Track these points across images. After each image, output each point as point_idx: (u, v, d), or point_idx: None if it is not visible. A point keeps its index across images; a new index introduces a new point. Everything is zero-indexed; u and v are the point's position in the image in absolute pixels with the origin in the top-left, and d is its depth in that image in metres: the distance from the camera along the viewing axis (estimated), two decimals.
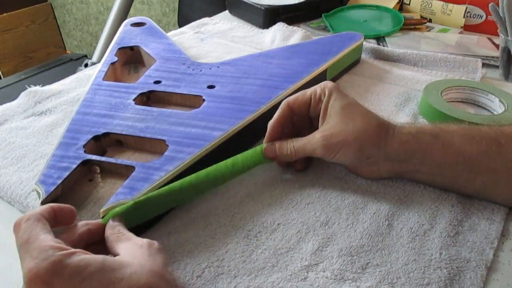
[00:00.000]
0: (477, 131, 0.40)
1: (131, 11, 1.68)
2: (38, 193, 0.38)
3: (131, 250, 0.30)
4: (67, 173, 0.40)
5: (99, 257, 0.27)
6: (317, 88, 0.44)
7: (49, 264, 0.25)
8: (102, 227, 0.34)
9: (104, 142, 0.46)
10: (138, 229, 0.38)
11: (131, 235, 0.33)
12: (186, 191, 0.39)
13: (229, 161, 0.42)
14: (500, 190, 0.40)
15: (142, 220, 0.38)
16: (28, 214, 0.30)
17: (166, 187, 0.38)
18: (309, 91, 0.44)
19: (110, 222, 0.34)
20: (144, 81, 0.56)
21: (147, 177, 0.39)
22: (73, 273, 0.26)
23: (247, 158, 0.43)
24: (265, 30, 0.83)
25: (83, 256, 0.27)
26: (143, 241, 0.31)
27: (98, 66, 0.61)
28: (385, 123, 0.42)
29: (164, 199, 0.38)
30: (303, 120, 0.46)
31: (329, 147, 0.41)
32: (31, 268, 0.25)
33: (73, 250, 0.27)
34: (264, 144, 0.44)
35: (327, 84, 0.43)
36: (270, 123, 0.44)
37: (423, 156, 0.40)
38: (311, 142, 0.42)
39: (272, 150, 0.43)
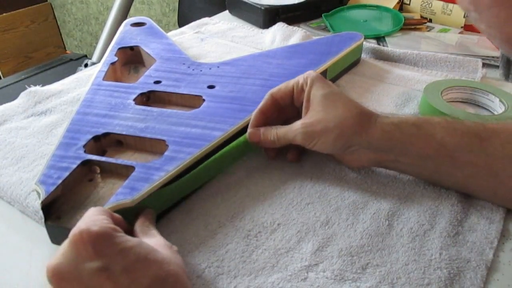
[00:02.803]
0: (460, 124, 0.40)
1: (131, 11, 1.68)
2: (38, 193, 0.38)
3: (156, 245, 0.32)
4: (67, 173, 0.40)
5: (137, 239, 0.30)
6: (300, 78, 0.45)
7: (98, 229, 0.28)
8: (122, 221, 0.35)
9: (104, 142, 0.46)
10: None
11: (156, 232, 0.35)
12: (184, 188, 0.40)
13: (225, 150, 0.45)
14: (480, 184, 0.41)
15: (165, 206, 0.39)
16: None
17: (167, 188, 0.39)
18: (292, 81, 0.45)
19: (142, 217, 0.36)
20: (144, 81, 0.56)
21: (147, 177, 0.39)
22: (115, 242, 0.28)
23: (237, 145, 0.46)
24: (265, 30, 0.83)
25: (125, 235, 0.29)
26: (165, 241, 0.33)
27: (98, 66, 0.61)
28: (367, 112, 0.42)
29: (164, 200, 0.39)
30: (290, 109, 0.47)
31: (309, 134, 0.42)
32: (82, 229, 0.27)
33: (119, 228, 0.30)
34: (248, 130, 0.46)
35: (309, 73, 0.44)
36: (254, 112, 0.46)
37: (404, 146, 0.41)
38: (292, 129, 0.43)
39: (256, 135, 0.45)
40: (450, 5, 0.85)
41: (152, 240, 0.33)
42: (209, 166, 0.44)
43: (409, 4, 0.92)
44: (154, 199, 0.38)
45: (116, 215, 0.34)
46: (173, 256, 0.31)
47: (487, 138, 0.39)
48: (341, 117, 0.41)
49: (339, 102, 0.42)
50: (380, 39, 0.80)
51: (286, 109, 0.47)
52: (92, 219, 0.30)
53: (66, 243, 0.28)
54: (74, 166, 0.41)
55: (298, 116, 0.45)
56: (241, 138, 0.47)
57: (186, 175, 0.41)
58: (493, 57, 0.71)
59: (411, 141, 0.40)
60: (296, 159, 0.47)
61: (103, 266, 0.27)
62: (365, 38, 0.71)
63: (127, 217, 0.36)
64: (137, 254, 0.28)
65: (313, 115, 0.42)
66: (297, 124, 0.43)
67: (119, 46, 0.65)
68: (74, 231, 0.28)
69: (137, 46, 0.66)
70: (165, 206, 0.40)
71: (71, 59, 1.44)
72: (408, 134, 0.40)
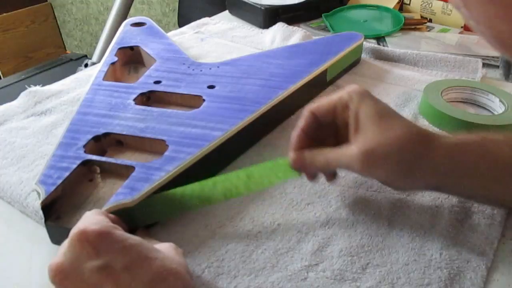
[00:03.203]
0: None
1: (131, 11, 1.68)
2: (38, 193, 0.38)
3: (161, 247, 0.32)
4: (67, 173, 0.40)
5: (138, 237, 0.30)
6: (344, 93, 0.39)
7: (98, 228, 0.28)
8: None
9: (104, 142, 0.46)
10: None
11: (155, 240, 0.35)
12: (188, 200, 0.38)
13: (241, 172, 0.39)
14: None
15: (140, 224, 0.38)
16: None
17: (168, 192, 0.38)
18: (334, 97, 0.39)
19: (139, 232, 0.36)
20: (144, 81, 0.56)
21: (147, 177, 0.39)
22: (116, 240, 0.28)
23: (264, 170, 0.39)
24: (265, 30, 0.83)
25: (125, 233, 0.30)
26: (169, 244, 0.33)
27: (98, 66, 0.61)
28: (425, 130, 0.37)
29: (164, 205, 0.38)
30: (329, 127, 0.40)
31: (370, 164, 0.36)
32: (82, 228, 0.28)
33: (118, 227, 0.30)
34: (290, 154, 0.39)
35: (355, 88, 0.39)
36: (294, 133, 0.40)
37: (469, 168, 0.36)
38: (347, 155, 0.36)
39: (301, 161, 0.39)
40: (450, 5, 0.85)
41: (156, 244, 0.33)
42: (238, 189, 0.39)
43: (409, 4, 0.92)
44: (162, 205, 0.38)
45: (112, 216, 0.35)
46: (176, 255, 0.32)
47: None
48: (401, 139, 0.35)
49: (395, 121, 0.36)
50: (380, 39, 0.80)
51: (325, 127, 0.40)
52: (91, 219, 0.30)
53: (66, 243, 0.28)
54: (74, 166, 0.41)
55: (336, 135, 0.40)
56: (280, 162, 0.40)
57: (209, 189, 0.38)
58: (493, 57, 0.71)
59: (476, 163, 0.36)
60: (333, 178, 0.42)
61: (103, 264, 0.27)
62: (365, 38, 0.71)
63: (127, 218, 0.36)
64: (138, 252, 0.28)
65: (370, 139, 0.36)
66: (355, 152, 0.36)
67: (119, 46, 0.65)
68: (74, 230, 0.28)
69: (137, 46, 0.66)
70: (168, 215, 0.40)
71: (71, 59, 1.44)
72: (473, 155, 0.36)
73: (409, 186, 0.38)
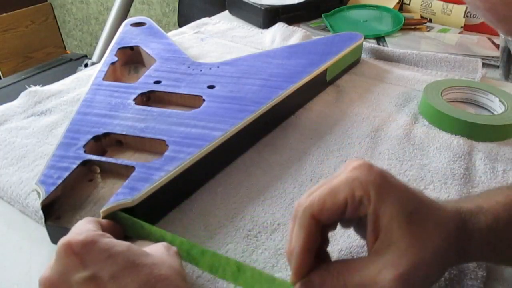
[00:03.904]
0: None
1: (131, 11, 1.68)
2: (38, 193, 0.38)
3: (152, 249, 0.32)
4: (67, 173, 0.40)
5: (126, 242, 0.29)
6: (355, 187, 0.28)
7: (82, 238, 0.28)
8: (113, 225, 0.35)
9: (104, 142, 0.46)
10: None
11: (147, 241, 0.34)
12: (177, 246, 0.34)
13: (232, 260, 0.32)
14: None
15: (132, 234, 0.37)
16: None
17: (157, 230, 0.35)
18: (341, 192, 0.28)
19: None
20: (144, 81, 0.56)
21: (147, 177, 0.39)
22: (102, 249, 0.28)
23: (259, 275, 0.31)
24: (265, 30, 0.83)
25: (113, 239, 0.29)
26: (162, 244, 0.33)
27: (98, 66, 0.61)
28: (459, 219, 0.30)
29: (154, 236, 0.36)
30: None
31: (408, 287, 0.27)
32: (67, 240, 0.28)
33: (107, 234, 0.30)
34: (292, 282, 0.29)
35: (366, 177, 0.28)
36: (295, 251, 0.29)
37: (500, 249, 0.31)
38: (377, 281, 0.27)
39: None
40: (450, 5, 0.85)
41: (148, 246, 0.32)
42: None
43: (409, 4, 0.92)
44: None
45: (105, 221, 0.34)
46: (168, 258, 0.31)
47: None
48: (442, 248, 0.28)
49: (430, 221, 0.28)
50: (380, 39, 0.80)
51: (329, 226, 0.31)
52: (78, 229, 0.30)
53: (55, 255, 0.28)
54: (74, 166, 0.41)
55: (334, 224, 0.31)
56: (278, 283, 0.30)
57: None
58: (493, 57, 0.71)
59: (509, 243, 0.31)
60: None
61: (91, 275, 0.27)
62: (365, 38, 0.71)
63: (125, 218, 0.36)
64: (125, 259, 0.28)
65: (402, 256, 0.27)
66: (384, 275, 0.26)
67: (119, 46, 0.65)
68: (60, 243, 0.28)
69: (137, 46, 0.66)
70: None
71: (71, 59, 1.44)
72: (506, 236, 0.31)
73: None
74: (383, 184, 0.28)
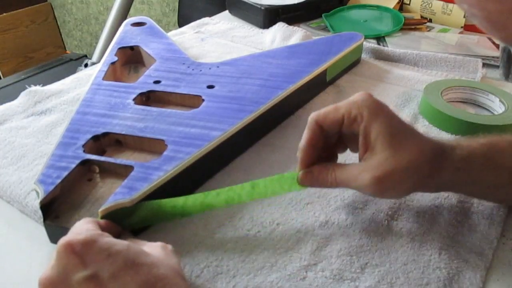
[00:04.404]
0: None
1: (131, 11, 1.68)
2: (37, 193, 0.38)
3: (150, 249, 0.32)
4: (66, 173, 0.40)
5: (126, 242, 0.30)
6: (352, 107, 0.36)
7: (82, 237, 0.28)
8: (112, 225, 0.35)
9: (103, 142, 0.46)
10: (137, 229, 0.38)
11: (144, 241, 0.34)
12: (189, 209, 0.38)
13: (246, 184, 0.38)
14: None
15: (137, 225, 0.38)
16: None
17: (168, 201, 0.37)
18: (341, 109, 0.37)
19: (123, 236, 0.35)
20: (143, 81, 0.56)
21: (146, 177, 0.39)
22: (101, 248, 0.28)
23: (270, 181, 0.39)
24: (265, 30, 0.83)
25: (112, 239, 0.30)
26: (157, 243, 0.33)
27: (98, 66, 0.61)
28: (437, 145, 0.36)
29: (163, 213, 0.38)
30: (334, 136, 0.39)
31: (382, 189, 0.35)
32: (67, 239, 0.28)
33: (106, 233, 0.30)
34: (298, 171, 0.38)
35: (364, 100, 0.36)
36: (301, 146, 0.38)
37: (473, 180, 0.37)
38: (358, 179, 0.35)
39: (310, 179, 0.38)
40: (450, 5, 0.85)
41: (144, 246, 0.32)
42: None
43: (409, 4, 0.92)
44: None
45: (103, 221, 0.34)
46: (166, 257, 0.31)
47: None
48: (415, 162, 0.35)
49: (409, 140, 0.35)
50: (380, 39, 0.80)
51: (330, 137, 0.39)
52: (77, 229, 0.30)
53: (54, 256, 0.28)
54: (73, 165, 0.41)
55: (341, 144, 0.40)
56: (287, 175, 0.39)
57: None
58: (493, 57, 0.71)
59: (481, 174, 0.37)
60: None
61: (91, 274, 0.27)
62: (365, 38, 0.71)
63: (125, 218, 0.36)
64: (125, 258, 0.28)
65: (382, 162, 0.34)
66: (366, 177, 0.35)
67: (119, 46, 0.65)
68: (60, 242, 0.28)
69: (137, 46, 0.66)
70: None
71: (71, 59, 1.44)
72: (478, 168, 0.37)
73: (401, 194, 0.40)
74: (376, 108, 0.36)
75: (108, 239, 0.29)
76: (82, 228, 0.30)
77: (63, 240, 0.28)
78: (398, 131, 0.35)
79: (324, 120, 0.37)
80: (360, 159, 0.37)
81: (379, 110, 0.36)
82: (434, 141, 0.37)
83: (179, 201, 0.38)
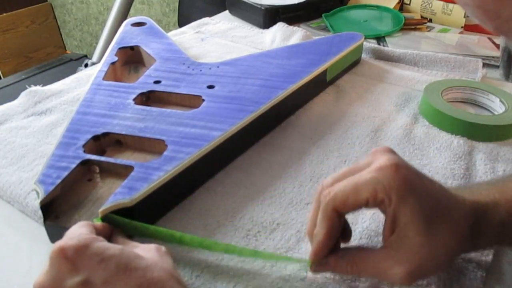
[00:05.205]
0: None
1: (131, 11, 1.68)
2: (37, 193, 0.38)
3: (143, 252, 0.31)
4: (66, 173, 0.40)
5: (119, 246, 0.30)
6: (378, 189, 0.30)
7: (74, 242, 0.28)
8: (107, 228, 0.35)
9: (103, 142, 0.46)
10: None
11: (137, 243, 0.34)
12: (186, 243, 0.36)
13: (248, 250, 0.37)
14: None
15: (135, 234, 0.37)
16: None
17: (166, 231, 0.36)
18: (364, 191, 0.30)
19: (115, 237, 0.35)
20: (144, 81, 0.56)
21: (146, 177, 0.39)
22: (94, 253, 0.28)
23: (278, 258, 0.36)
24: (265, 30, 0.83)
25: (106, 243, 0.29)
26: (150, 245, 0.32)
27: (98, 66, 0.61)
28: (475, 217, 0.32)
29: (161, 236, 0.37)
30: None
31: (417, 279, 0.32)
32: (59, 244, 0.28)
33: (100, 237, 0.30)
34: (310, 259, 0.33)
35: (390, 182, 0.30)
36: (319, 240, 0.32)
37: (507, 237, 0.34)
38: (389, 274, 0.30)
39: (325, 269, 0.34)
40: (450, 5, 0.85)
41: (137, 249, 0.32)
42: None
43: (409, 4, 0.92)
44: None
45: (100, 224, 0.34)
46: (160, 260, 0.31)
47: None
48: (451, 249, 0.31)
49: (444, 220, 0.30)
50: (380, 39, 0.80)
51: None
52: (71, 233, 0.30)
53: (48, 261, 0.28)
54: (73, 165, 0.41)
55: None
56: (295, 259, 0.36)
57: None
58: (493, 57, 0.71)
59: None
60: None
61: (83, 280, 0.27)
62: (365, 38, 0.71)
63: (125, 218, 0.36)
64: (118, 263, 0.28)
65: (415, 253, 0.30)
66: (396, 269, 0.30)
67: (119, 46, 0.65)
68: (53, 248, 0.28)
69: (137, 46, 0.66)
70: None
71: (71, 59, 1.44)
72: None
73: None
74: (406, 190, 0.30)
75: (101, 244, 0.29)
76: (76, 232, 0.30)
77: (56, 245, 0.28)
78: (432, 213, 0.30)
79: (343, 206, 0.31)
80: (384, 240, 0.32)
81: (409, 191, 0.30)
82: (469, 208, 0.32)
83: (176, 234, 0.36)
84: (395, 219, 0.30)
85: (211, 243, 0.36)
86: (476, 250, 0.36)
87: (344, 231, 0.35)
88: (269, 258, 0.36)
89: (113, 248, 0.29)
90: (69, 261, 0.27)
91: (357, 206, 0.31)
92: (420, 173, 0.32)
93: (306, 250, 0.37)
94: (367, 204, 0.31)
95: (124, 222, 0.36)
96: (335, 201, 0.31)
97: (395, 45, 0.76)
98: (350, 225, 0.39)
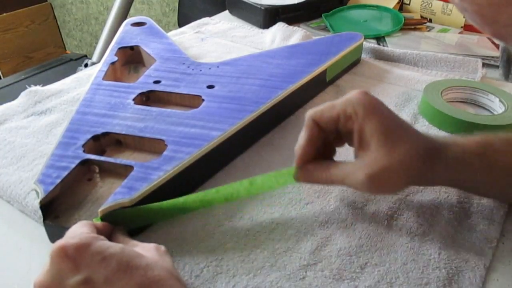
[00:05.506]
0: None
1: (131, 11, 1.68)
2: (37, 193, 0.38)
3: (143, 250, 0.31)
4: (66, 173, 0.40)
5: (120, 244, 0.30)
6: (347, 105, 0.37)
7: (75, 241, 0.28)
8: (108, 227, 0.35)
9: (103, 142, 0.46)
10: (136, 228, 0.38)
11: (137, 242, 0.34)
12: (190, 206, 0.39)
13: (245, 181, 0.39)
14: None
15: (139, 225, 0.38)
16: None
17: (169, 202, 0.38)
18: (337, 107, 0.37)
19: (115, 234, 0.35)
20: (143, 81, 0.56)
21: (146, 177, 0.39)
22: (95, 252, 0.28)
23: (268, 177, 0.40)
24: (265, 30, 0.83)
25: (107, 241, 0.29)
26: (150, 245, 0.33)
27: (98, 66, 0.61)
28: (431, 143, 0.37)
29: (165, 212, 0.38)
30: (331, 134, 0.40)
31: (375, 187, 0.36)
32: (60, 243, 0.28)
33: (101, 236, 0.30)
34: (294, 168, 0.39)
35: (358, 98, 0.37)
36: (300, 144, 0.39)
37: (467, 178, 0.38)
38: (352, 177, 0.36)
39: (306, 175, 0.39)
40: (450, 5, 0.85)
41: (137, 248, 0.32)
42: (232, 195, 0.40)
43: (409, 4, 0.92)
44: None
45: (100, 223, 0.34)
46: (160, 259, 0.31)
47: None
48: (408, 160, 0.35)
49: (401, 139, 0.36)
50: (380, 39, 0.80)
51: (329, 133, 0.40)
52: (72, 232, 0.30)
53: (49, 260, 0.28)
54: (73, 165, 0.41)
55: (340, 140, 0.41)
56: (283, 172, 0.40)
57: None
58: (493, 57, 0.71)
59: (474, 173, 0.37)
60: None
61: (85, 279, 0.27)
62: (365, 38, 0.71)
63: (125, 220, 0.36)
64: (119, 261, 0.28)
65: (375, 160, 0.35)
66: (359, 175, 0.36)
67: (119, 46, 0.65)
68: (53, 247, 0.28)
69: (137, 46, 0.66)
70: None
71: (71, 59, 1.44)
72: (473, 167, 0.37)
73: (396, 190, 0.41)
74: (371, 106, 0.36)
75: (102, 243, 0.29)
76: (76, 231, 0.30)
77: (56, 244, 0.28)
78: (392, 130, 0.36)
79: (321, 118, 0.38)
80: (355, 157, 0.38)
81: (374, 108, 0.36)
82: (429, 139, 0.37)
83: (180, 200, 0.38)
84: (361, 133, 0.36)
85: (213, 196, 0.39)
86: (431, 184, 0.40)
87: (329, 151, 0.41)
88: (261, 183, 0.40)
89: (114, 247, 0.29)
90: (70, 260, 0.27)
91: (331, 119, 0.37)
92: (387, 106, 0.38)
93: (305, 249, 0.37)
94: (339, 119, 0.37)
95: (124, 213, 0.36)
96: (315, 113, 0.38)
97: (395, 45, 0.76)
98: (351, 225, 0.39)
